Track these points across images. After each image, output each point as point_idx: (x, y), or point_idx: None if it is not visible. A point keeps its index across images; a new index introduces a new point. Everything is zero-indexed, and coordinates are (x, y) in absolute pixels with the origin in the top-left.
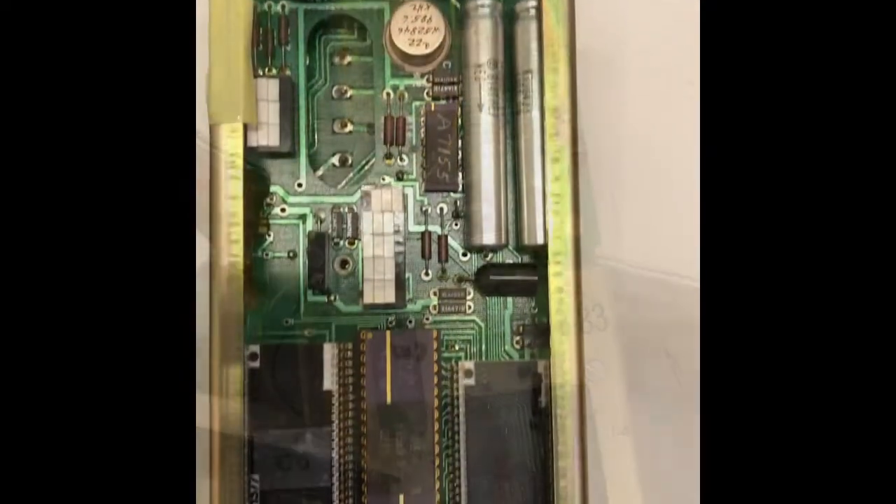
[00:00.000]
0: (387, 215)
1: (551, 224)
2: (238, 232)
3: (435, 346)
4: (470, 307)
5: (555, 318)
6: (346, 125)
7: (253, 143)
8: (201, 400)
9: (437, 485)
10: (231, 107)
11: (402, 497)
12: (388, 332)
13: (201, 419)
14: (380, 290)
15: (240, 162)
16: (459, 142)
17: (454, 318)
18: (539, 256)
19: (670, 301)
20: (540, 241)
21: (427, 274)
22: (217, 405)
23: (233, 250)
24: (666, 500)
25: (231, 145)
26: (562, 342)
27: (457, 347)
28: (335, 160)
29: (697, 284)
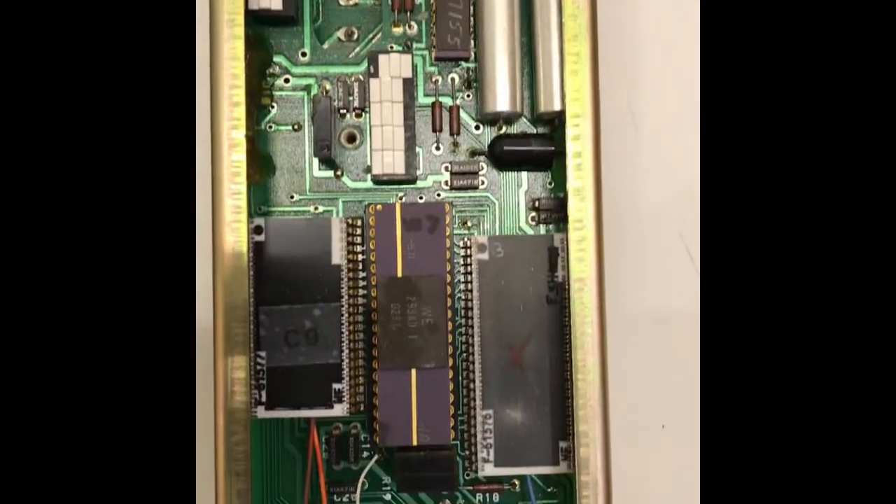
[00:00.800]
0: (395, 82)
1: (569, 86)
2: (240, 94)
3: (447, 219)
4: (483, 182)
5: (572, 185)
6: None
7: (254, 6)
8: (205, 276)
9: (451, 361)
10: None
11: (414, 372)
12: (397, 204)
13: (205, 297)
14: (389, 161)
15: (240, 20)
16: (472, 8)
17: (467, 194)
18: (556, 128)
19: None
20: (557, 106)
21: (438, 148)
22: (220, 283)
23: (234, 114)
24: (671, 361)
25: (231, 3)
26: (580, 209)
27: (469, 224)
28: (341, 34)
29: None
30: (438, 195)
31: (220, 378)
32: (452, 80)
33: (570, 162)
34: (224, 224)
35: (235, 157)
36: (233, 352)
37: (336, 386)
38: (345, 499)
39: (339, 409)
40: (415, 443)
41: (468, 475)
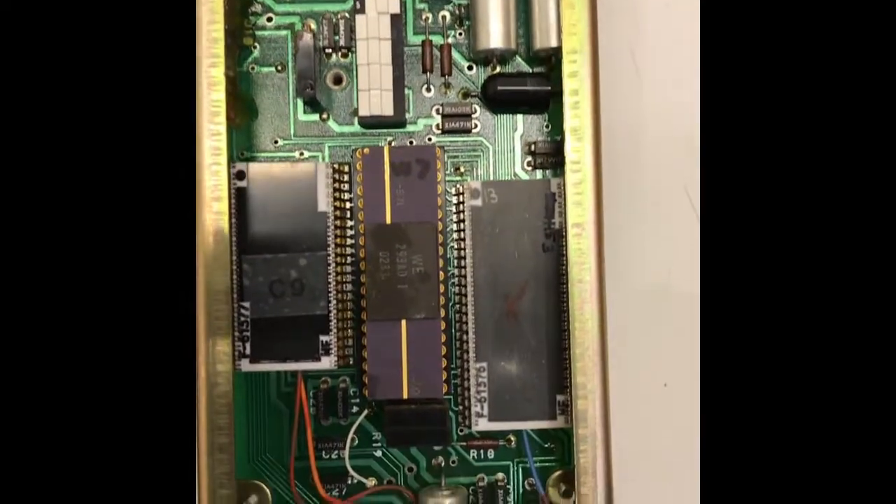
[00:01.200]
0: (383, 18)
1: (565, 19)
2: (219, 30)
3: (438, 164)
4: (476, 126)
5: (569, 124)
6: None
7: None
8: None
9: (443, 312)
10: None
11: (404, 323)
12: (386, 147)
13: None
14: (376, 101)
15: None
16: None
17: (459, 138)
18: (553, 67)
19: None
20: (553, 43)
21: (429, 89)
22: (200, 229)
23: (213, 51)
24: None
25: None
26: (577, 150)
27: (461, 170)
28: None
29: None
30: (429, 139)
31: (200, 329)
32: (443, 17)
33: (567, 100)
34: (203, 167)
35: (215, 97)
36: (214, 301)
37: (323, 338)
38: (333, 455)
39: (327, 362)
40: (405, 396)
41: (461, 431)
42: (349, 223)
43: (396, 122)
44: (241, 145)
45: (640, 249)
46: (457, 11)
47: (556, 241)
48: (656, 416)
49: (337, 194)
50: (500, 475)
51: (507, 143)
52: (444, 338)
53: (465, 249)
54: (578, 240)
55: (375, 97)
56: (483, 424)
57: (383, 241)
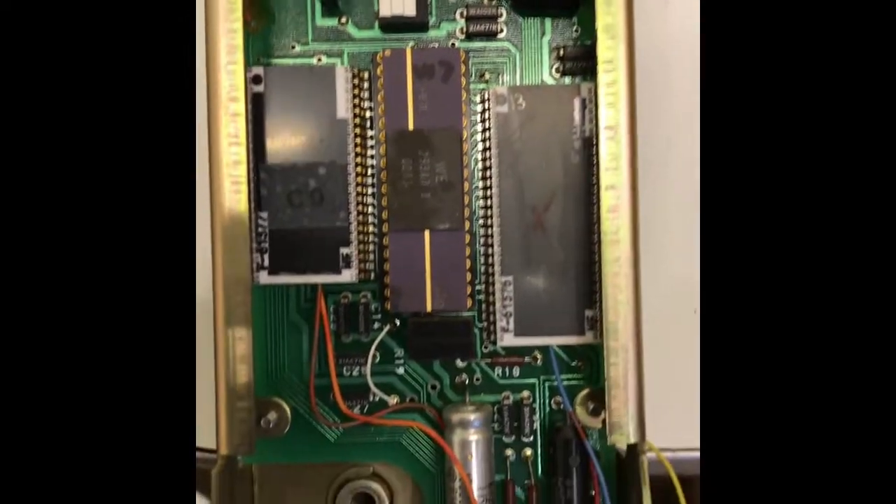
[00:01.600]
0: None
1: None
2: None
3: (463, 68)
4: (502, 30)
5: (602, 22)
6: None
7: None
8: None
9: (467, 224)
10: None
11: (427, 234)
12: (408, 49)
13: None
14: (398, 0)
15: None
16: None
17: (484, 44)
18: None
19: None
20: None
21: None
22: (215, 134)
23: None
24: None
25: None
26: (610, 48)
27: (486, 77)
28: None
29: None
30: (453, 45)
31: (217, 237)
32: None
33: None
34: (219, 67)
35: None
36: (230, 211)
37: (344, 250)
38: (355, 372)
39: (348, 275)
40: (429, 309)
41: (486, 348)
42: (370, 132)
43: (418, 23)
44: (258, 51)
45: (675, 155)
46: None
47: (586, 149)
48: (690, 343)
49: (357, 101)
50: (526, 393)
51: (534, 49)
52: (468, 251)
53: (490, 159)
54: (611, 143)
55: None
56: (508, 340)
57: (405, 148)
